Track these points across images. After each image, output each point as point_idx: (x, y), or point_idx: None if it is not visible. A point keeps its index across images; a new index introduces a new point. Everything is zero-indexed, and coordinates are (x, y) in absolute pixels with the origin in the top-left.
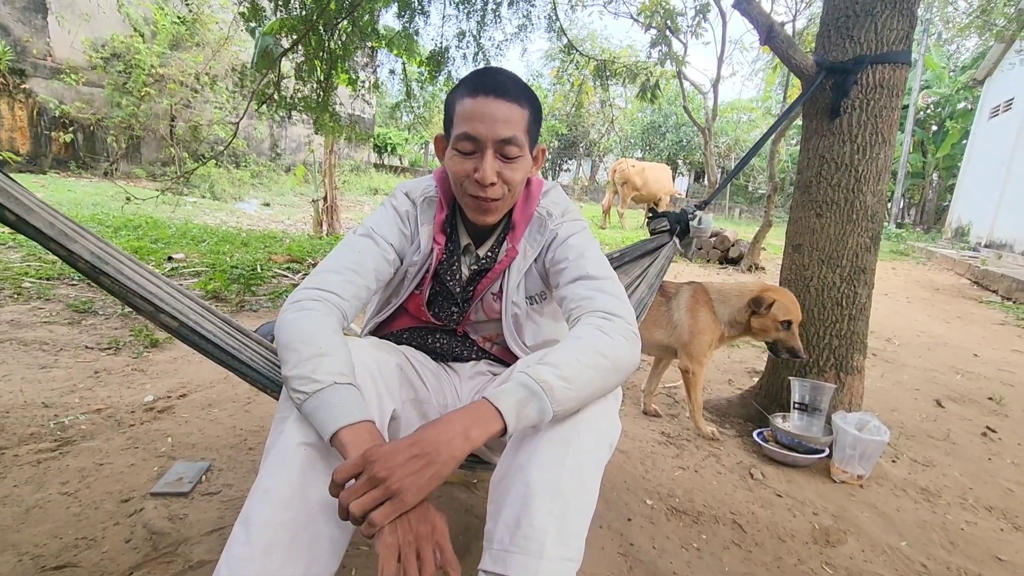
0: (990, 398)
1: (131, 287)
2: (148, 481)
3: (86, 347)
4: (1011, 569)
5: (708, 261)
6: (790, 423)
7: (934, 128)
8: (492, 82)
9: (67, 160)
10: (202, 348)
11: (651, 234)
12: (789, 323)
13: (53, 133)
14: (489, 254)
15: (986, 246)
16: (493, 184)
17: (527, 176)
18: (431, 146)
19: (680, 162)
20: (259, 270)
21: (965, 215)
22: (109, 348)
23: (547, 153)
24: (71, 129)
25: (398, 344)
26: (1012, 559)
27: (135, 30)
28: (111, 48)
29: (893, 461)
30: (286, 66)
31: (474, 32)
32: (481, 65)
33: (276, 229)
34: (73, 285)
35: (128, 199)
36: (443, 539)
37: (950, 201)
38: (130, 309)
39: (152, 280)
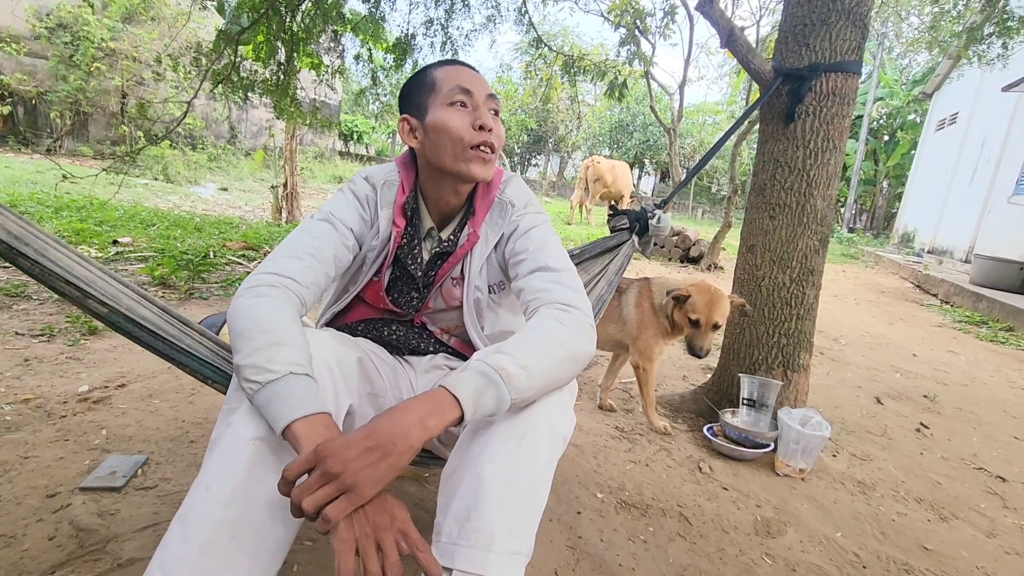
0: (925, 396)
1: (54, 270)
2: (78, 475)
3: (16, 333)
4: (935, 557)
5: (670, 260)
6: (739, 418)
7: (886, 138)
8: (460, 60)
9: (5, 135)
10: (137, 337)
11: (611, 231)
12: (697, 322)
13: None
14: (451, 237)
15: (929, 252)
16: (491, 130)
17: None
18: (399, 136)
19: (647, 161)
20: (211, 256)
21: (911, 222)
22: (42, 335)
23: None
24: (9, 101)
25: (353, 336)
26: (937, 548)
27: (84, 0)
28: (57, 18)
29: (834, 455)
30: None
31: (442, 20)
32: (449, 55)
33: (233, 215)
34: (5, 267)
35: (64, 177)
36: (405, 525)
37: (899, 208)
38: None
39: (81, 264)
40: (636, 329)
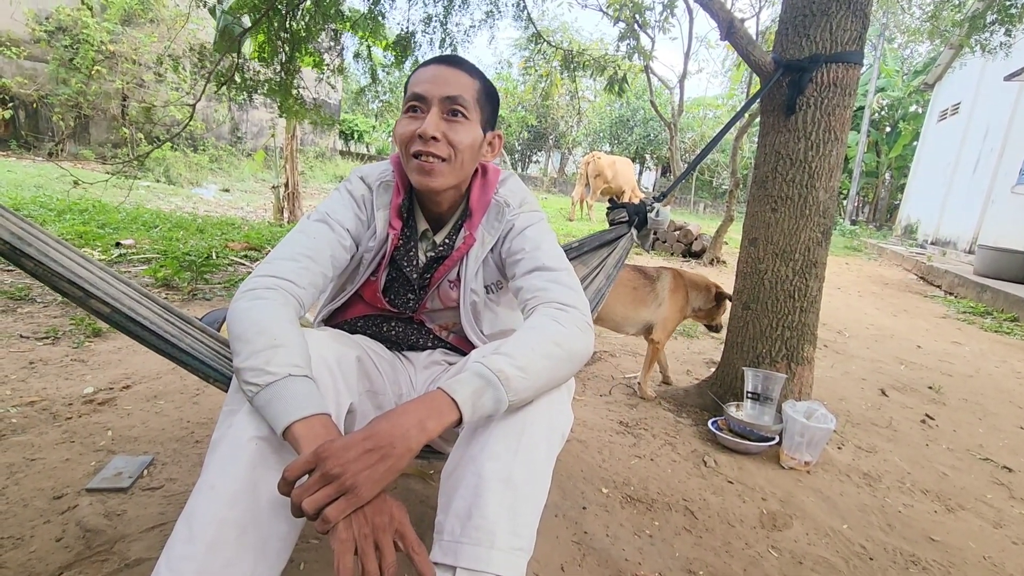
0: (930, 387)
1: (57, 270)
2: (84, 477)
3: (21, 336)
4: (942, 548)
5: (672, 254)
6: (743, 412)
7: (888, 129)
8: (444, 56)
9: (7, 139)
10: (139, 336)
11: (610, 225)
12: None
13: None
14: (446, 241)
15: (932, 243)
16: (435, 139)
17: (476, 146)
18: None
19: (647, 156)
20: (214, 257)
21: (914, 213)
22: (47, 338)
23: (503, 140)
24: (11, 105)
25: (352, 332)
26: (944, 539)
27: (83, 3)
28: (56, 21)
29: (839, 448)
30: (248, 47)
31: (441, 17)
32: (448, 51)
33: (235, 215)
34: (8, 271)
35: (76, 183)
36: (403, 526)
37: (901, 200)
38: None
39: (83, 265)
40: (668, 311)
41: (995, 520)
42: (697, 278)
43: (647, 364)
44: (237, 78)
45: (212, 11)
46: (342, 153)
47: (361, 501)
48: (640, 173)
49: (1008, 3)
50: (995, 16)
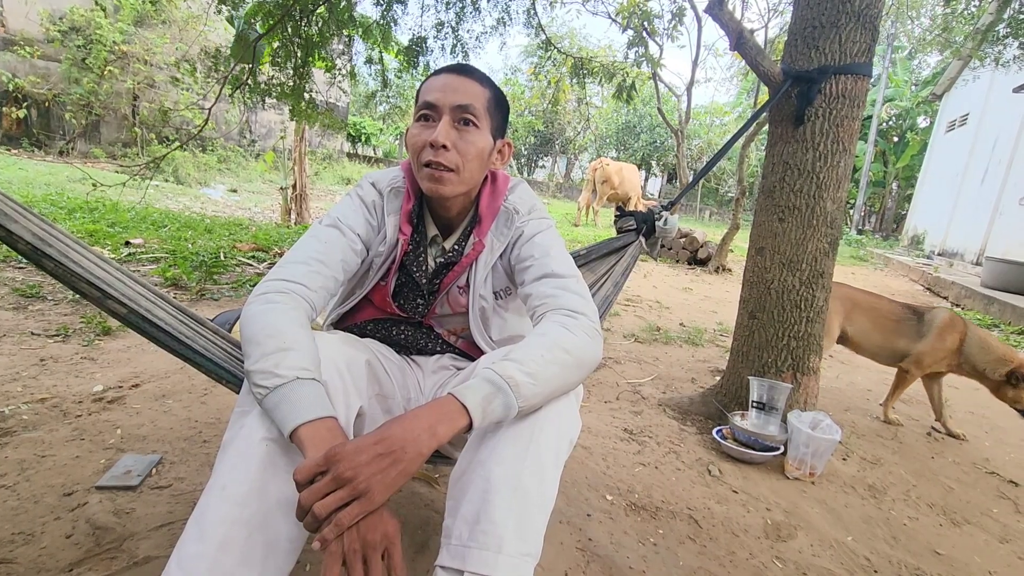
0: None
1: (76, 271)
2: (94, 474)
3: (32, 333)
4: (947, 562)
5: (677, 261)
6: (748, 421)
7: (895, 139)
8: (455, 65)
9: (19, 137)
10: (154, 336)
11: (618, 233)
12: None
13: (4, 108)
14: (456, 247)
15: (939, 254)
16: (445, 148)
17: (485, 154)
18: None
19: (653, 163)
20: (222, 258)
21: (921, 224)
22: (57, 335)
23: (513, 148)
24: (24, 104)
25: (361, 336)
26: (949, 553)
27: (96, 4)
28: (70, 21)
29: (844, 459)
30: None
31: (452, 24)
32: (460, 58)
33: (243, 216)
34: (20, 268)
35: (95, 185)
36: (393, 546)
37: (908, 210)
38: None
39: (100, 265)
40: (929, 348)
41: (1001, 535)
42: (990, 340)
43: (894, 393)
44: (251, 82)
45: (230, 20)
46: (349, 155)
47: (373, 506)
48: (646, 180)
49: (1021, 16)
50: (1008, 29)
